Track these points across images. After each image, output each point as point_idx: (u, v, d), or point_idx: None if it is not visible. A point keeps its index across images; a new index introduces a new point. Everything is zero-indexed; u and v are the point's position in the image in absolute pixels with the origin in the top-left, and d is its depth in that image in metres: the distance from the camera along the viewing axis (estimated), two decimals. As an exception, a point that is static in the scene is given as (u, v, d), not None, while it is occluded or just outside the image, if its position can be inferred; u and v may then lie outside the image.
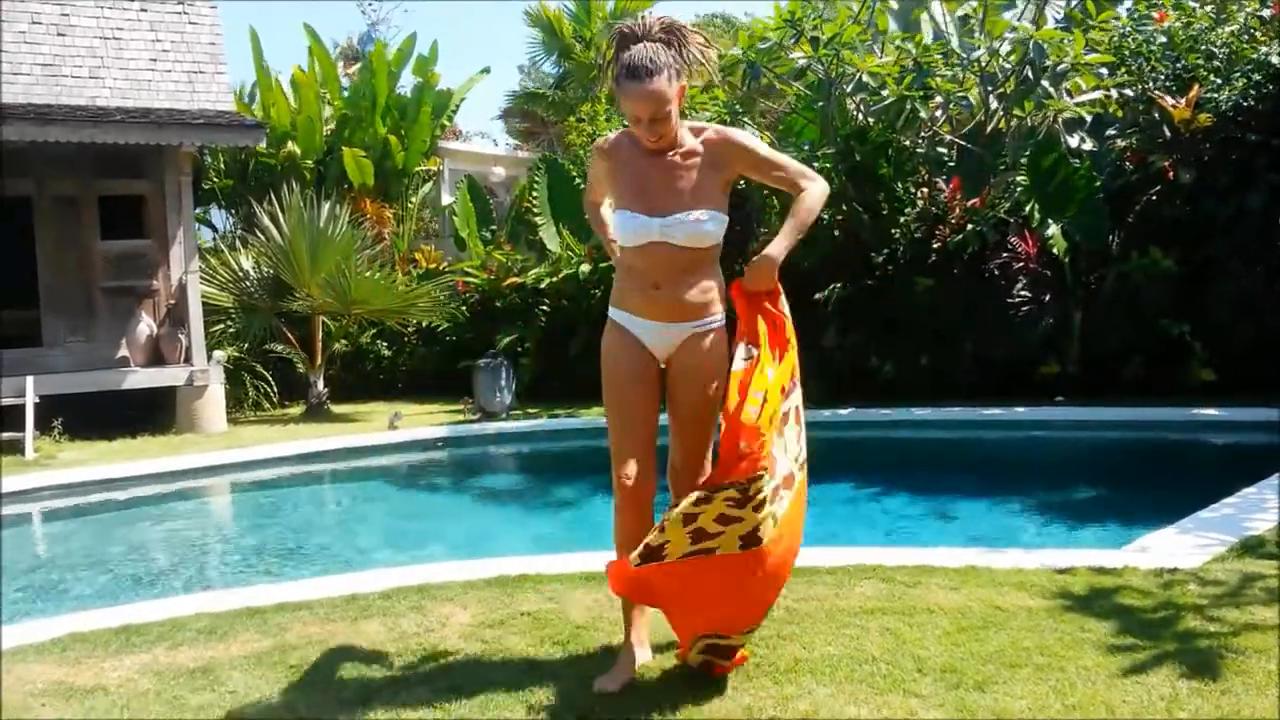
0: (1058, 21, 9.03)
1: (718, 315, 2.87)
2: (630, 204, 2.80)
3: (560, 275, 10.66)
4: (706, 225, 2.76)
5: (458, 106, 15.84)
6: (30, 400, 8.70)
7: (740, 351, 2.74)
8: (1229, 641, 2.84)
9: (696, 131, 2.85)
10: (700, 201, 2.77)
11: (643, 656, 2.84)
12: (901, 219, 9.15)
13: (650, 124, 2.72)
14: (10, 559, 5.48)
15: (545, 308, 10.86)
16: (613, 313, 2.90)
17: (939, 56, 8.79)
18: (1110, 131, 8.90)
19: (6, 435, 8.50)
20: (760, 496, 2.49)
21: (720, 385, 2.82)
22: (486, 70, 16.37)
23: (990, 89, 9.14)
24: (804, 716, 2.47)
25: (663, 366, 2.88)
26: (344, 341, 11.79)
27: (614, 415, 2.87)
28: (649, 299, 2.80)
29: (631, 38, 2.74)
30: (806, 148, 9.50)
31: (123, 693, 2.83)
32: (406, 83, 15.02)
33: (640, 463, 2.83)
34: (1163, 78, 8.67)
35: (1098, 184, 8.34)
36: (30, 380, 8.85)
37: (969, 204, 8.83)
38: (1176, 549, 3.83)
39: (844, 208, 9.30)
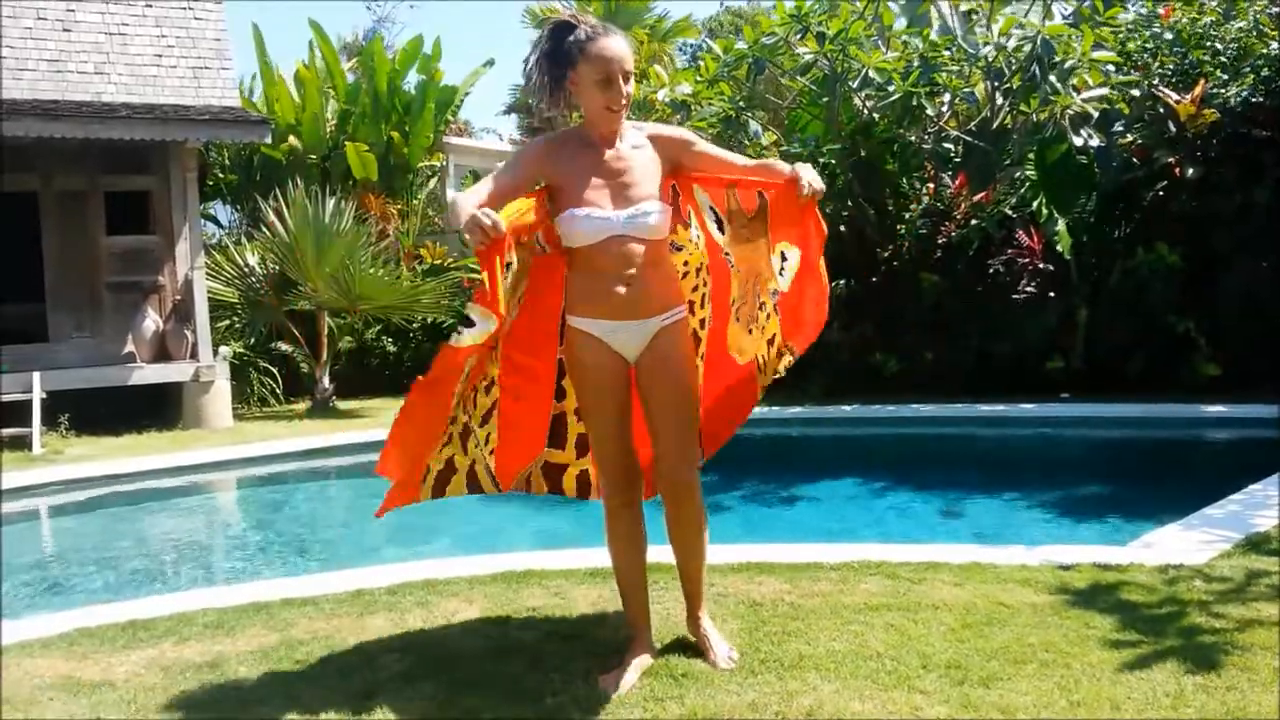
0: (1065, 18, 8.99)
1: (682, 304, 2.90)
2: (586, 200, 2.73)
3: (565, 271, 10.65)
4: (663, 216, 2.78)
5: (461, 101, 15.83)
6: (37, 396, 8.73)
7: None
8: (1234, 638, 2.83)
9: (636, 128, 2.86)
10: (654, 193, 2.79)
11: (648, 655, 2.85)
12: (907, 214, 9.14)
13: (622, 83, 2.69)
14: (17, 554, 5.50)
15: (550, 303, 10.86)
16: (577, 323, 2.80)
17: (945, 52, 8.76)
18: (1117, 127, 8.87)
19: (14, 431, 8.53)
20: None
21: (694, 371, 2.93)
22: (490, 63, 16.35)
23: (996, 84, 9.11)
24: (808, 712, 2.47)
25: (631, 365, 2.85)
26: (349, 338, 11.81)
27: (600, 428, 2.86)
28: (617, 299, 2.74)
29: (568, 26, 2.74)
30: (812, 143, 9.48)
31: (129, 687, 2.84)
32: (411, 80, 15.02)
33: (631, 471, 2.89)
34: (1169, 73, 8.64)
35: (1104, 180, 8.32)
36: (37, 376, 8.88)
37: (975, 200, 8.82)
38: (1181, 545, 3.83)
39: (849, 203, 9.29)
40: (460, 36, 39.51)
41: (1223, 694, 2.49)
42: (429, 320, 11.74)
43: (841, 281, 9.04)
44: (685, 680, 2.69)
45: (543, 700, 2.61)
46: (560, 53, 2.72)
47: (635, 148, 2.81)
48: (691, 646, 2.91)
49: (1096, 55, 8.27)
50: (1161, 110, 8.34)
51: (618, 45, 2.70)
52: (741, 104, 9.55)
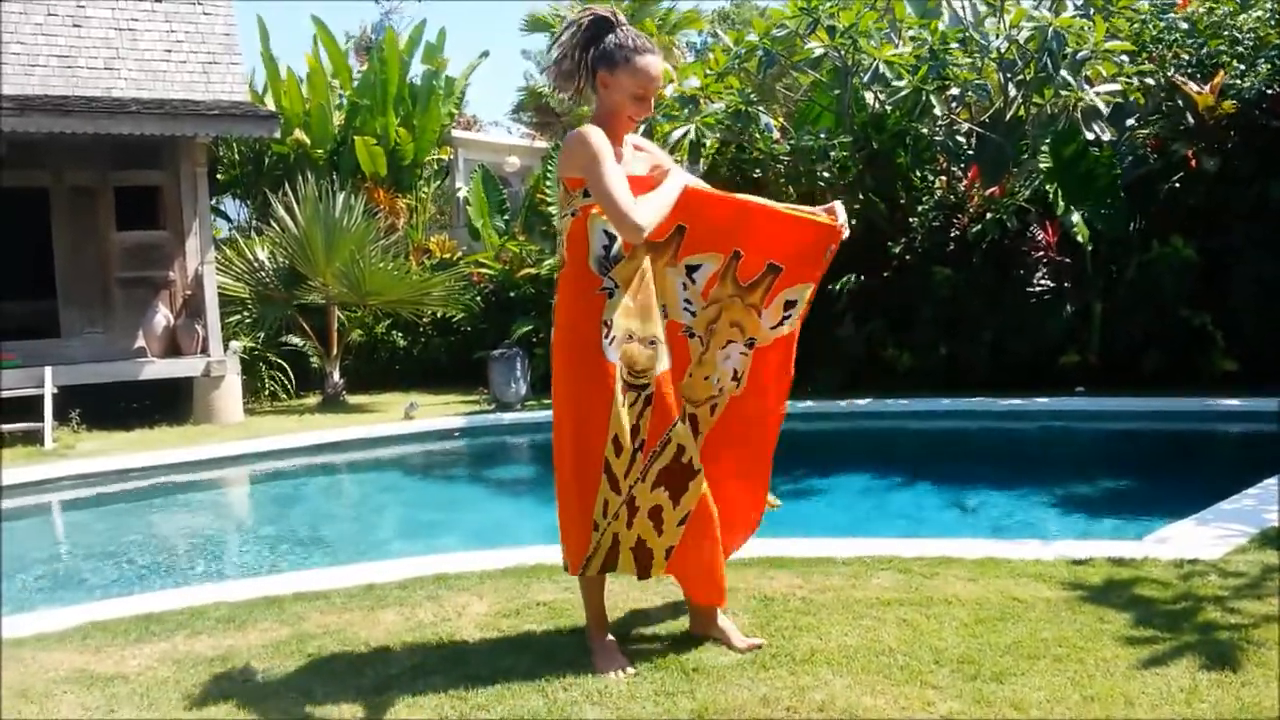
0: (1077, 8, 8.91)
1: None
2: None
3: (575, 266, 10.63)
4: None
5: (463, 93, 15.84)
6: (49, 390, 8.77)
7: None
8: (1249, 633, 2.81)
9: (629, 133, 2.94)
10: None
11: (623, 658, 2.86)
12: (919, 208, 9.10)
13: (651, 99, 2.78)
14: (30, 548, 5.53)
15: (560, 298, 10.84)
16: None
17: (956, 45, 8.70)
18: (1130, 121, 8.80)
19: (26, 425, 8.57)
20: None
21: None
22: (485, 54, 16.37)
23: (1009, 76, 9.05)
24: (820, 707, 2.46)
25: None
26: (359, 332, 11.83)
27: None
28: None
29: (610, 24, 2.76)
30: (823, 136, 9.45)
31: (142, 680, 2.85)
32: (417, 72, 15.02)
33: None
34: (1185, 64, 8.57)
35: (1118, 172, 8.27)
36: (48, 371, 8.91)
37: (988, 193, 8.77)
38: (1196, 540, 3.81)
39: (861, 197, 9.24)
40: (467, 34, 39.54)
41: (1238, 689, 2.46)
42: (438, 314, 11.75)
43: (852, 276, 9.01)
44: (697, 675, 2.69)
45: (554, 694, 2.61)
46: (605, 50, 2.73)
47: (635, 150, 2.89)
48: (701, 641, 2.90)
49: (1110, 45, 8.20)
50: (1180, 101, 8.27)
51: (659, 67, 2.76)
52: (753, 97, 9.51)
